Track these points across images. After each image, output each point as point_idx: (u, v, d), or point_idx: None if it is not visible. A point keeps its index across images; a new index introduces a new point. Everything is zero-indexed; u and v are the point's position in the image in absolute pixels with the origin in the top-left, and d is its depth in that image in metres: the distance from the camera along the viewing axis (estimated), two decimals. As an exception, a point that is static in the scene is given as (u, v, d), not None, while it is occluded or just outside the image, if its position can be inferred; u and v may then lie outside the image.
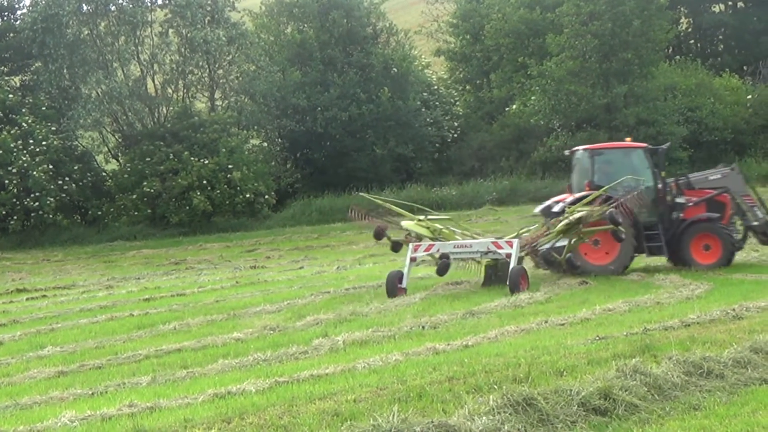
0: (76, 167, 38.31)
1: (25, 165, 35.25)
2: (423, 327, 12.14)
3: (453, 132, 47.25)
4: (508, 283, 15.33)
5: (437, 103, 47.86)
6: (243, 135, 41.87)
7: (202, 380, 9.67)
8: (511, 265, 15.56)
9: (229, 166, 37.81)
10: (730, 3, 55.40)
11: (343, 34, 45.02)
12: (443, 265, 16.29)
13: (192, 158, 37.64)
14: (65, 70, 39.55)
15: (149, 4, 41.68)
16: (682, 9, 53.93)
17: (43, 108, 38.48)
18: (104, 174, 41.12)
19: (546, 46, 43.48)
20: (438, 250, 16.57)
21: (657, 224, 17.97)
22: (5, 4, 42.71)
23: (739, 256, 18.56)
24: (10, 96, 37.92)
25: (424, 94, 47.17)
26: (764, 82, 48.28)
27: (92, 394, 9.48)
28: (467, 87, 52.82)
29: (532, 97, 44.06)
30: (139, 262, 29.69)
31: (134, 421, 7.72)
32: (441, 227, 17.53)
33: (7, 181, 35.22)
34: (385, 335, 11.65)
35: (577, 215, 16.20)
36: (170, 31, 41.37)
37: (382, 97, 43.48)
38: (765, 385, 8.12)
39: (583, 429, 7.01)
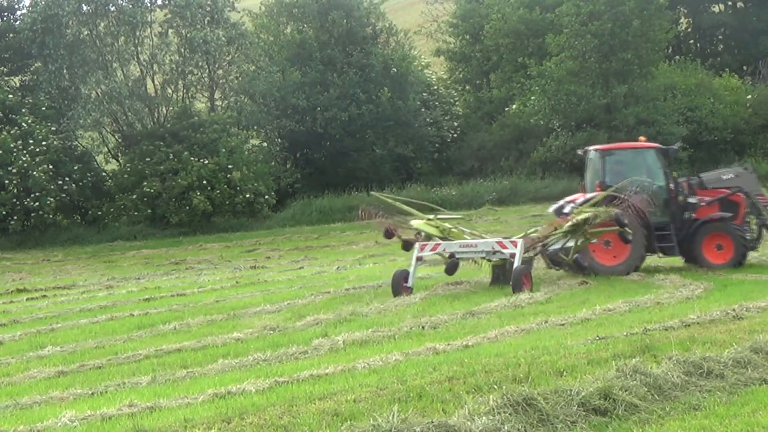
0: (76, 167, 38.30)
1: (25, 165, 35.24)
2: (423, 327, 12.14)
3: (453, 132, 47.26)
4: (511, 282, 15.36)
5: (437, 103, 47.87)
6: (243, 135, 41.85)
7: (202, 380, 9.67)
8: (515, 265, 15.59)
9: (229, 166, 37.81)
10: (729, 3, 55.38)
11: (342, 34, 45.02)
12: (452, 264, 16.40)
13: (192, 158, 37.64)
14: (65, 71, 39.53)
15: (149, 5, 41.69)
16: (681, 9, 53.93)
17: (43, 108, 38.47)
18: (104, 174, 41.12)
19: (546, 46, 43.47)
20: (444, 250, 16.65)
21: (669, 224, 17.95)
22: (5, 4, 42.70)
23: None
24: (10, 96, 37.92)
25: (424, 94, 47.17)
26: (764, 82, 48.28)
27: (92, 394, 9.48)
28: (467, 87, 52.81)
29: (532, 97, 44.05)
30: (139, 262, 29.69)
31: (134, 421, 7.73)
32: (450, 227, 17.56)
33: (7, 181, 35.21)
34: (385, 335, 11.65)
35: (582, 216, 16.24)
36: (170, 31, 41.38)
37: (382, 97, 43.49)
38: (765, 385, 8.12)
39: (583, 429, 7.01)
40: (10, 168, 35.14)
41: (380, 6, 48.67)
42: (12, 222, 35.54)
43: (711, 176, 18.89)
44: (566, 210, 17.36)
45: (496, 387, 7.79)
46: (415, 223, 17.38)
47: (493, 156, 44.93)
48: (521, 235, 17.35)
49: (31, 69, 41.92)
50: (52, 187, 36.15)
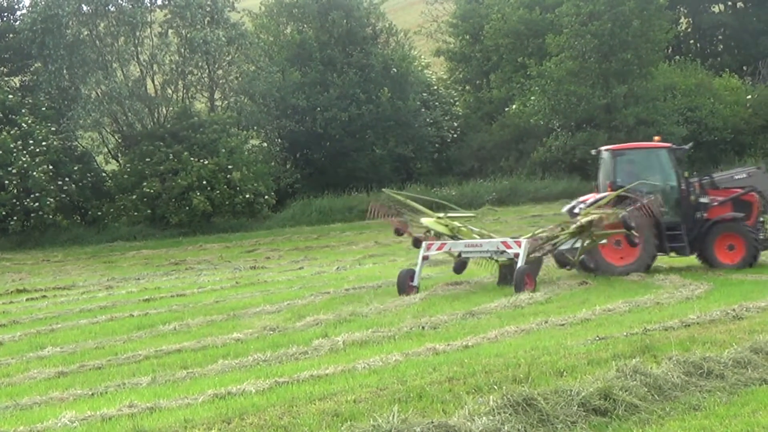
0: (75, 168, 38.30)
1: (25, 165, 35.23)
2: (423, 327, 12.14)
3: (453, 132, 47.28)
4: (513, 282, 15.38)
5: (437, 103, 47.89)
6: (243, 135, 41.85)
7: (202, 381, 9.67)
8: (518, 265, 15.61)
9: (229, 167, 37.81)
10: (729, 3, 55.41)
11: (342, 34, 45.03)
12: (460, 263, 16.47)
13: (192, 158, 37.63)
14: (65, 71, 39.52)
15: (149, 5, 41.67)
16: (681, 9, 53.96)
17: (43, 108, 38.46)
18: (104, 174, 41.12)
19: (545, 46, 43.49)
20: (450, 249, 16.69)
21: (680, 224, 17.94)
22: (5, 4, 42.69)
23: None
24: (10, 96, 37.91)
25: (424, 94, 47.19)
26: (764, 82, 48.31)
27: (92, 394, 9.48)
28: (467, 87, 52.84)
29: (532, 98, 44.07)
30: (138, 262, 29.69)
31: (134, 421, 7.72)
32: (459, 225, 17.59)
33: (7, 182, 35.20)
34: (385, 336, 11.65)
35: (586, 219, 16.26)
36: (170, 31, 41.38)
37: (382, 98, 43.49)
38: (765, 386, 8.12)
39: (583, 429, 7.01)
40: (10, 168, 35.13)
41: (380, 6, 48.68)
42: (12, 222, 35.53)
43: (723, 176, 18.86)
44: (577, 210, 17.41)
45: (496, 387, 7.79)
46: (425, 221, 17.42)
47: (493, 156, 44.95)
48: (529, 235, 17.37)
49: (31, 69, 41.91)
50: (52, 187, 36.14)
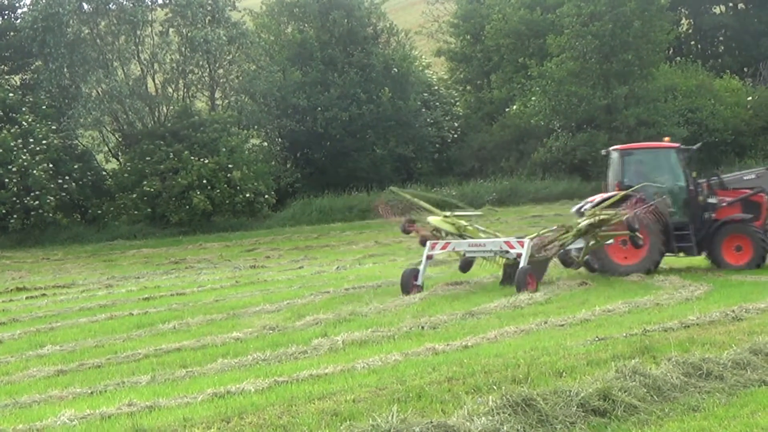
0: (76, 166, 38.32)
1: (25, 164, 35.25)
2: (422, 327, 12.14)
3: (453, 132, 47.28)
4: (515, 282, 15.39)
5: (437, 103, 47.90)
6: (243, 134, 41.89)
7: (202, 380, 9.67)
8: (521, 265, 15.62)
9: (229, 166, 37.83)
10: (730, 4, 55.41)
11: (343, 34, 45.04)
12: (466, 262, 16.50)
13: (192, 158, 37.65)
14: (65, 69, 39.55)
15: (150, 4, 41.71)
16: (682, 10, 53.95)
17: (44, 107, 38.48)
18: (104, 173, 41.14)
19: (546, 46, 43.49)
20: (454, 249, 16.70)
21: (688, 224, 17.92)
22: (6, 2, 42.73)
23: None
24: (11, 95, 37.93)
25: (425, 94, 47.20)
26: (764, 84, 48.31)
27: (91, 393, 9.48)
28: (467, 87, 52.83)
29: (533, 98, 44.06)
30: (138, 261, 29.70)
31: (133, 420, 7.72)
32: (466, 224, 17.57)
33: (7, 180, 35.22)
34: (385, 335, 11.65)
35: (589, 221, 16.27)
36: (170, 30, 41.42)
37: (383, 98, 43.50)
38: (764, 387, 8.12)
39: (583, 430, 7.01)
40: (10, 166, 35.15)
41: (381, 6, 48.69)
42: (12, 220, 35.55)
43: (732, 177, 18.84)
44: (584, 210, 17.42)
45: (495, 387, 7.79)
46: (432, 219, 17.41)
47: (494, 156, 44.96)
48: (534, 234, 17.36)
49: (32, 67, 41.95)
50: (52, 185, 36.16)
